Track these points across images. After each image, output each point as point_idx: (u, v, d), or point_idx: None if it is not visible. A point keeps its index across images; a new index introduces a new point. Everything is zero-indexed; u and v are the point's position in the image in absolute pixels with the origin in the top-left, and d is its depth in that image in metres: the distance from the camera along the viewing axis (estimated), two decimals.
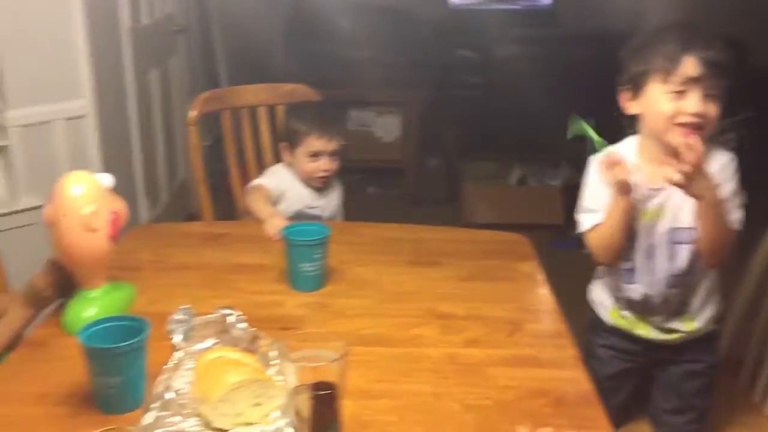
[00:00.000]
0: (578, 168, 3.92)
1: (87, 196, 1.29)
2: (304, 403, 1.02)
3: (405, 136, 4.50)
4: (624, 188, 1.46)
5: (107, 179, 1.36)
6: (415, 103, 4.45)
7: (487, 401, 1.18)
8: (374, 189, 4.45)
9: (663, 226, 1.52)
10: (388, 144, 4.58)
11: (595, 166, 1.56)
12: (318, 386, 0.85)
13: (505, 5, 4.99)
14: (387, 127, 4.58)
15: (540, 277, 1.60)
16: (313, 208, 2.06)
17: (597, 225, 1.53)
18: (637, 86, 1.52)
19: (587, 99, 3.83)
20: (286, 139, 2.07)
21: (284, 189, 2.03)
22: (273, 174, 2.08)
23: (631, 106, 1.55)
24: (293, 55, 4.76)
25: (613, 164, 1.45)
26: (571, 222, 1.63)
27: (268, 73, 4.43)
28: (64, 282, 1.37)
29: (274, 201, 1.99)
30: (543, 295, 1.54)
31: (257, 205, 1.90)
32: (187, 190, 3.88)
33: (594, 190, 1.57)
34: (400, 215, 3.82)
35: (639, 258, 1.54)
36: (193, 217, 3.90)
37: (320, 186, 2.07)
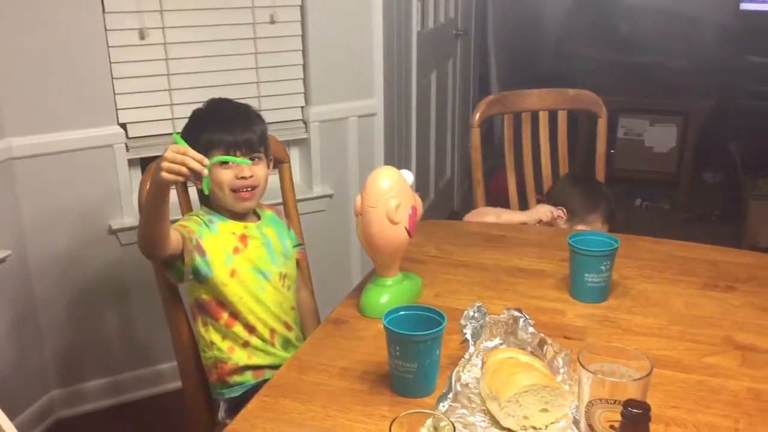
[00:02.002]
0: None
1: (393, 191, 1.38)
2: (600, 418, 1.01)
3: (681, 147, 4.22)
4: None
5: (409, 176, 1.44)
6: (695, 112, 4.14)
7: None
8: (642, 201, 4.23)
9: None
10: (660, 155, 4.33)
11: None
12: (631, 404, 0.83)
13: None
14: (660, 136, 4.33)
15: None
16: None
17: None
18: None
19: None
20: (562, 204, 2.02)
21: None
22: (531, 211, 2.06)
23: None
24: (564, 60, 4.69)
25: None
26: None
27: (537, 77, 4.42)
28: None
29: None
30: None
31: (504, 216, 1.94)
32: (451, 189, 4.01)
33: None
34: (672, 231, 3.59)
35: None
36: (454, 215, 4.02)
37: None
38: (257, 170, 1.58)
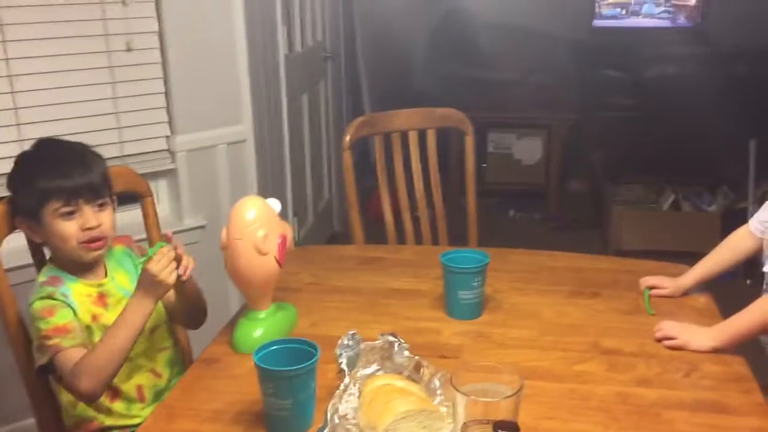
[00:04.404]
0: (739, 193, 3.70)
1: (259, 221, 1.34)
2: None
3: (547, 158, 4.41)
4: None
5: (276, 205, 1.41)
6: (558, 125, 4.35)
7: None
8: (515, 212, 4.38)
9: None
10: (528, 167, 4.50)
11: None
12: (499, 426, 0.82)
13: (653, 23, 4.79)
14: (528, 149, 4.50)
15: (715, 313, 1.50)
16: None
17: None
18: None
19: (744, 118, 3.63)
20: None
21: None
22: None
23: None
24: (433, 79, 4.79)
25: None
26: None
27: (409, 96, 4.49)
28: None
29: None
30: None
31: None
32: (330, 210, 3.99)
33: None
34: (543, 240, 3.75)
35: None
36: (335, 237, 4.00)
37: None
38: (104, 218, 1.42)
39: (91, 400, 1.39)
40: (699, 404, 1.20)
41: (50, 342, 1.34)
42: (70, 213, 1.38)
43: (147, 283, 1.34)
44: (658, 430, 1.14)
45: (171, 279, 1.34)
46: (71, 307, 1.38)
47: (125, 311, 1.35)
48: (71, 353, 1.34)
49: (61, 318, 1.36)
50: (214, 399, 1.24)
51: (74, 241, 1.39)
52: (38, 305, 1.37)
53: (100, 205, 1.42)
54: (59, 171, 1.38)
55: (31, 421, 1.57)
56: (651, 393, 1.23)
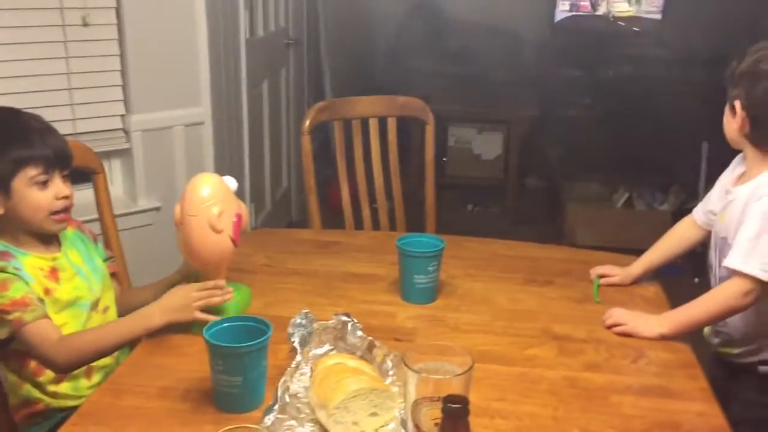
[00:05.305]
0: (690, 193, 3.79)
1: (214, 198, 1.32)
2: (426, 416, 1.01)
3: (506, 154, 4.45)
4: None
5: (232, 182, 1.39)
6: (517, 121, 4.39)
7: (611, 430, 1.12)
8: (473, 206, 4.41)
9: None
10: (487, 162, 4.54)
11: None
12: (449, 400, 0.83)
13: (612, 25, 4.87)
14: (487, 145, 4.54)
15: (663, 302, 1.53)
16: None
17: None
18: None
19: (697, 120, 3.72)
20: None
21: None
22: None
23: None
24: (396, 71, 4.80)
25: None
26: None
27: (370, 87, 4.49)
28: None
29: None
30: None
31: None
32: (288, 199, 3.96)
33: None
34: (499, 234, 3.76)
35: None
36: (293, 225, 3.97)
37: None
38: (70, 189, 1.40)
39: (61, 373, 1.39)
40: (645, 389, 1.23)
41: (10, 317, 1.31)
42: (45, 182, 1.35)
43: (175, 301, 1.34)
44: (605, 413, 1.16)
45: (192, 315, 1.33)
46: (25, 280, 1.34)
47: (133, 316, 1.36)
48: (38, 325, 1.31)
49: (16, 291, 1.32)
50: (162, 376, 1.22)
51: (45, 212, 1.36)
52: None
53: (66, 176, 1.40)
54: (33, 138, 1.35)
55: None
56: (599, 378, 1.25)
